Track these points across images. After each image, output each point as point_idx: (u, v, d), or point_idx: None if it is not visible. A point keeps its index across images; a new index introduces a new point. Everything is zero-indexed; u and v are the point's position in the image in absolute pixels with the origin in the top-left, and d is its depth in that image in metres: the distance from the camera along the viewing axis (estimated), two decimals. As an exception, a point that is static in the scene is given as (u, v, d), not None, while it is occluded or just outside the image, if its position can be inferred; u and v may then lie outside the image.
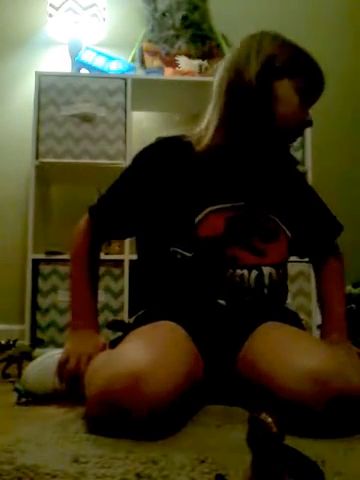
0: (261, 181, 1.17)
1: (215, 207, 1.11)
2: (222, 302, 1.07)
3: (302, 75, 1.10)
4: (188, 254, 1.09)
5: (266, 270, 1.10)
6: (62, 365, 1.08)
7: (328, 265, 1.25)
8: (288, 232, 1.17)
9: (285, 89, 1.09)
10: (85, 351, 1.07)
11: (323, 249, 1.27)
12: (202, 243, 1.09)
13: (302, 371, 0.85)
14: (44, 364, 1.15)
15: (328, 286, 1.24)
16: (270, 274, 1.11)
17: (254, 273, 1.09)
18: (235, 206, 1.12)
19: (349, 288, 1.96)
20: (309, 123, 1.15)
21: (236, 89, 1.09)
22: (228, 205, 1.12)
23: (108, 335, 1.70)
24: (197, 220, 1.09)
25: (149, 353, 0.86)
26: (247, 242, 1.10)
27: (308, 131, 2.23)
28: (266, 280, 1.10)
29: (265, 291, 1.10)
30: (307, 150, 2.24)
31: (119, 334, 1.15)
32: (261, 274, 1.10)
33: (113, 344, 1.07)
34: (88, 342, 1.11)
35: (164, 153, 1.16)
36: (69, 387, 1.07)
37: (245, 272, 1.09)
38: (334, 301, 1.22)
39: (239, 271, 1.08)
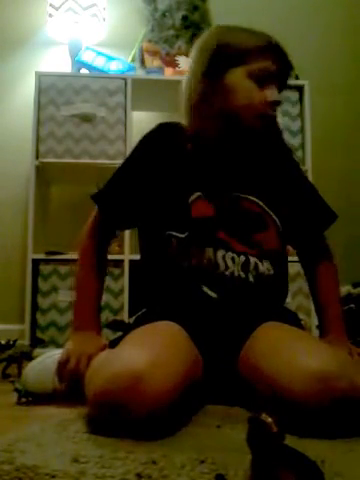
0: (249, 171, 1.18)
1: (204, 194, 1.13)
2: (213, 295, 1.08)
3: (257, 56, 1.07)
4: (182, 235, 1.11)
5: (252, 259, 1.11)
6: (62, 365, 1.08)
7: (321, 267, 1.24)
8: (278, 222, 1.17)
9: (235, 76, 1.09)
10: (85, 351, 1.07)
11: (316, 237, 1.26)
12: (195, 223, 1.11)
13: (307, 371, 0.84)
14: (44, 364, 1.15)
15: (323, 288, 1.23)
16: (256, 264, 1.11)
17: (242, 258, 1.11)
18: (223, 196, 1.14)
19: (349, 288, 1.95)
20: (275, 103, 1.10)
21: (192, 91, 1.13)
22: (216, 195, 1.14)
23: (108, 335, 1.71)
24: (190, 201, 1.12)
25: (148, 353, 0.85)
26: (234, 230, 1.12)
27: (308, 132, 2.23)
28: (251, 267, 1.11)
29: (251, 279, 1.10)
30: (307, 150, 2.24)
31: (119, 334, 1.15)
32: (247, 261, 1.11)
33: (113, 344, 1.07)
34: (89, 343, 1.11)
35: (164, 137, 1.20)
36: (69, 387, 1.07)
37: (235, 255, 1.10)
38: (330, 302, 1.22)
39: (230, 253, 1.10)
